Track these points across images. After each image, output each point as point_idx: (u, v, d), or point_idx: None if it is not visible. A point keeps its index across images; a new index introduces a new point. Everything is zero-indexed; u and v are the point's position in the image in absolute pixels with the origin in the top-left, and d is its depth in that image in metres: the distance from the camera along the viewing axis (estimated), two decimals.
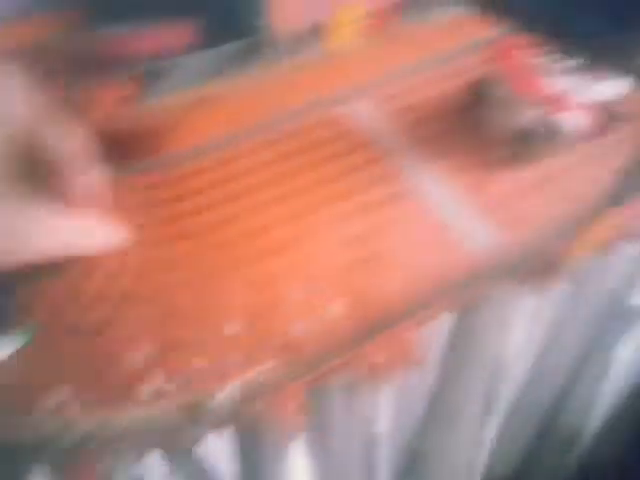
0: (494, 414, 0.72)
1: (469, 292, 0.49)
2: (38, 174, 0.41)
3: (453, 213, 0.53)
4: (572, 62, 0.43)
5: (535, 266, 0.48)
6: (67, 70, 0.57)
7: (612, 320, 0.81)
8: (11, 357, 0.41)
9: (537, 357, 0.71)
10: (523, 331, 0.60)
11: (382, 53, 0.68)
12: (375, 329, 0.44)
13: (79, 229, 0.44)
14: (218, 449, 0.48)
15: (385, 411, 0.55)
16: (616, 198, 0.41)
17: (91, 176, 0.42)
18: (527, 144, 0.56)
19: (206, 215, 0.54)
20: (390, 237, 0.51)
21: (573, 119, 0.56)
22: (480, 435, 0.75)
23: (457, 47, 0.68)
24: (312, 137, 0.60)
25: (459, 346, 0.59)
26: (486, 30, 0.64)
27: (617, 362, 0.89)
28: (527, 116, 0.55)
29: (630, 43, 0.33)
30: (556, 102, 0.53)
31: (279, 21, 0.64)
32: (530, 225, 0.52)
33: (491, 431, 0.76)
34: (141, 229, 0.51)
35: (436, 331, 0.53)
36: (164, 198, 0.56)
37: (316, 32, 0.64)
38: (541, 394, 0.88)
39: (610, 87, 0.49)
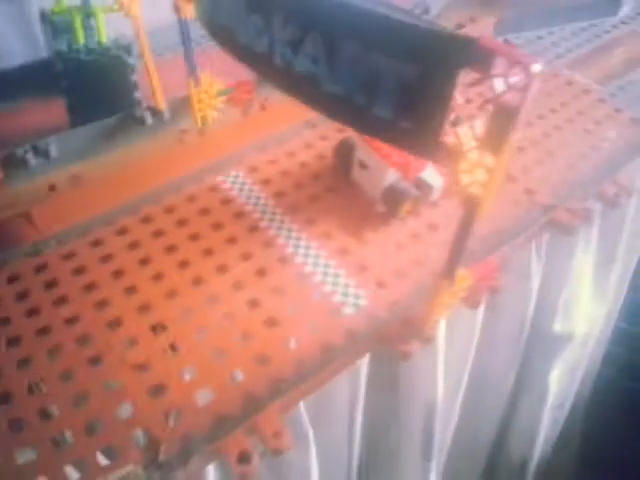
0: (434, 456, 0.71)
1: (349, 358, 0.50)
2: None
3: (330, 277, 0.54)
4: None
5: (403, 328, 0.50)
6: None
7: (539, 347, 0.82)
8: None
9: (469, 394, 0.71)
10: (449, 371, 0.60)
11: (245, 125, 0.70)
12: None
13: None
14: None
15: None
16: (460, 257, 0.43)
17: None
18: (397, 202, 0.58)
19: (83, 299, 0.52)
20: (278, 306, 0.52)
21: (433, 176, 0.58)
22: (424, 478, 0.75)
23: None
24: (192, 209, 0.61)
25: (386, 392, 0.60)
26: None
27: (552, 387, 0.90)
28: (393, 176, 0.58)
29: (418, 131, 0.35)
30: (414, 162, 0.56)
31: (151, 96, 0.65)
32: (399, 286, 0.54)
33: (435, 475, 0.76)
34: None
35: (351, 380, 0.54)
36: (30, 289, 0.53)
37: (185, 106, 0.65)
38: (481, 430, 0.88)
39: None
